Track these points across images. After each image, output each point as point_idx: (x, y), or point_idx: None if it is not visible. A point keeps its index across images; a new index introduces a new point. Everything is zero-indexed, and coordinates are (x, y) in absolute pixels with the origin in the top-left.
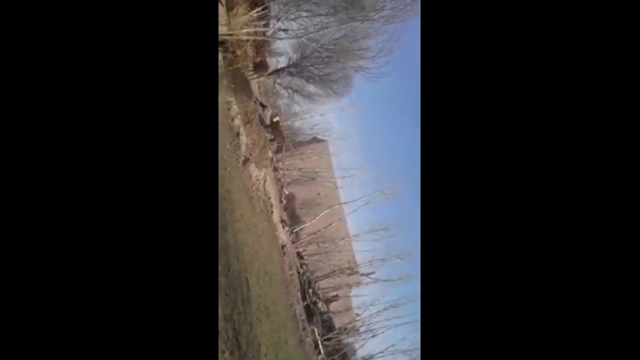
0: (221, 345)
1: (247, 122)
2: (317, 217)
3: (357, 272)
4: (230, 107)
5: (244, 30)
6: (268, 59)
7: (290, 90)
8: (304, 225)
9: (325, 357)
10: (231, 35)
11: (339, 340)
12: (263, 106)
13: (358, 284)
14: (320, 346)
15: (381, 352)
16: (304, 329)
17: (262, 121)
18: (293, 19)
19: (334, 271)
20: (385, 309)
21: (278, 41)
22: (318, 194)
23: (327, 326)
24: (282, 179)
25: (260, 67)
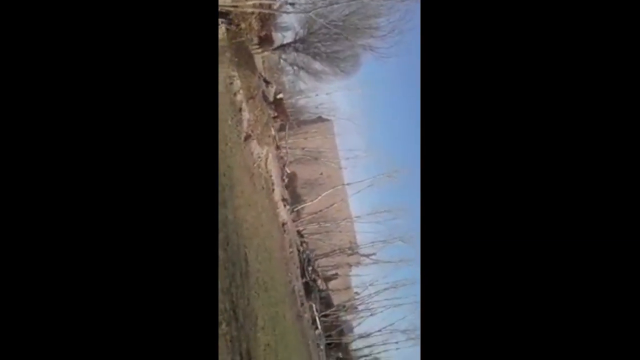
0: (218, 317)
1: (250, 97)
2: (319, 197)
3: (357, 253)
4: (232, 81)
5: (250, 2)
6: (274, 34)
7: (295, 67)
8: (305, 205)
9: (322, 333)
10: (236, 7)
11: (337, 317)
12: (267, 82)
13: (358, 264)
14: (318, 322)
15: (379, 330)
16: (302, 304)
17: (265, 98)
18: None
19: (334, 250)
20: (385, 289)
21: (284, 15)
22: (321, 174)
23: (326, 303)
24: (285, 158)
25: (265, 41)
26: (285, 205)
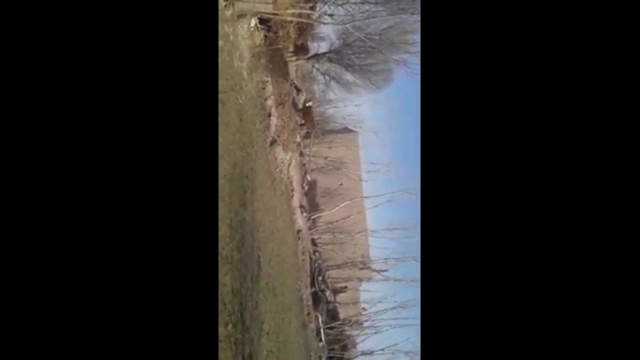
0: (225, 318)
1: (279, 103)
2: (337, 207)
3: (369, 268)
4: (265, 86)
5: (289, 11)
6: (309, 43)
7: (327, 77)
8: (322, 214)
9: (325, 345)
10: (276, 14)
11: (342, 331)
12: (298, 90)
13: (369, 279)
14: (322, 334)
15: (382, 349)
16: (308, 314)
17: (294, 105)
18: (340, 4)
19: (346, 263)
20: (393, 308)
21: (322, 25)
22: (341, 184)
23: (332, 315)
24: (307, 165)
25: (300, 50)
26: (302, 212)
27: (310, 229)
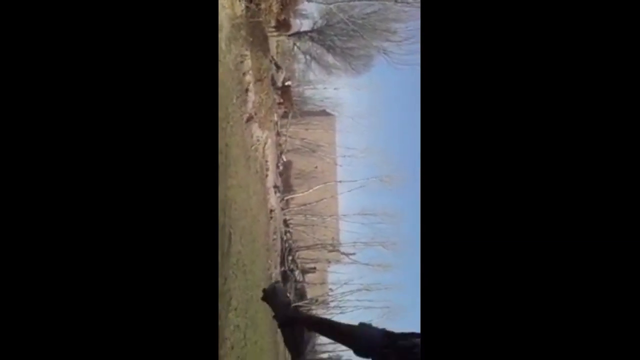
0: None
1: (258, 79)
2: (310, 190)
3: (338, 250)
4: (243, 60)
5: None
6: (292, 19)
7: (308, 57)
8: (295, 195)
9: None
10: None
11: (308, 310)
12: (278, 67)
13: (337, 261)
14: None
15: None
16: None
17: (273, 82)
18: None
19: (317, 244)
20: (359, 290)
21: (306, 2)
22: (316, 167)
23: (299, 294)
24: (283, 145)
25: (282, 25)
26: (276, 193)
27: (282, 209)
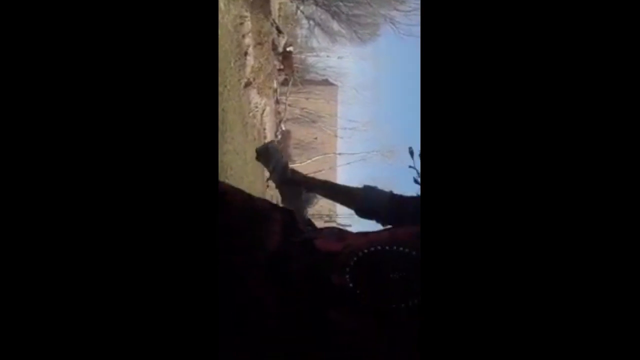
0: None
1: (258, 43)
2: (309, 161)
3: (334, 221)
4: (243, 22)
5: None
6: None
7: (312, 22)
8: (293, 165)
9: None
10: None
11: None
12: (279, 31)
13: None
14: None
15: None
16: None
17: (274, 47)
18: None
19: (313, 215)
20: None
21: None
22: (315, 138)
23: None
24: (282, 114)
25: None
26: None
27: None
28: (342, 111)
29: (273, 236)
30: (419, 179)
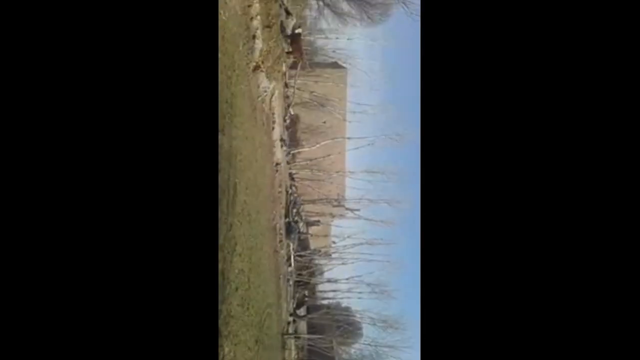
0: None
1: (266, 25)
2: (318, 145)
3: (343, 206)
4: (251, 4)
5: None
6: None
7: (321, 3)
8: (302, 150)
9: (294, 270)
10: None
11: (311, 260)
12: (288, 13)
13: (341, 216)
14: (292, 260)
15: (347, 279)
16: (280, 241)
17: (283, 29)
18: None
19: (322, 199)
20: (361, 244)
21: None
22: (324, 122)
23: (303, 245)
24: (291, 98)
25: None
26: (282, 146)
27: (289, 163)
28: (351, 94)
29: None
30: None
